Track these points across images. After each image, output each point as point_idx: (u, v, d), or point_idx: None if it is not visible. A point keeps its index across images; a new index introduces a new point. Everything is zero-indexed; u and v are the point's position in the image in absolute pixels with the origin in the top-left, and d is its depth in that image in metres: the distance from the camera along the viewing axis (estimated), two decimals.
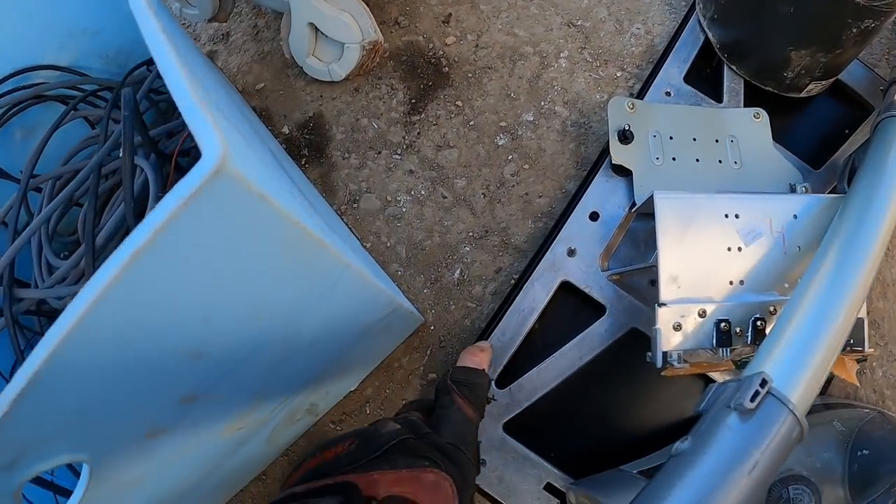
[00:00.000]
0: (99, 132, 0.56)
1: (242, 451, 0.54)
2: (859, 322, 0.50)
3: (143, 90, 0.56)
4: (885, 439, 0.52)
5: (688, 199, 0.51)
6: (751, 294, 0.50)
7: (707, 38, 0.69)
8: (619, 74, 0.71)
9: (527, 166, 0.68)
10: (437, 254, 0.66)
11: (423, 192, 0.68)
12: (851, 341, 0.49)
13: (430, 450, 0.37)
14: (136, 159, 0.48)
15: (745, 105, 0.67)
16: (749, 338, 0.48)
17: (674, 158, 0.61)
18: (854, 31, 0.60)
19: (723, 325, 0.48)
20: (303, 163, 0.71)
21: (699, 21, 0.70)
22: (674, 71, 0.68)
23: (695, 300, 0.48)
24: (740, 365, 0.49)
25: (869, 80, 0.71)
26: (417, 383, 0.64)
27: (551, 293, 0.59)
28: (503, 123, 0.70)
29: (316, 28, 0.68)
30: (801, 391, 0.37)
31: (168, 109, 0.62)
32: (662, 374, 0.47)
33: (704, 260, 0.50)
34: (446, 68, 0.72)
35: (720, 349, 0.48)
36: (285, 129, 0.73)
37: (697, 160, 0.61)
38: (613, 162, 0.60)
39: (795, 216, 0.53)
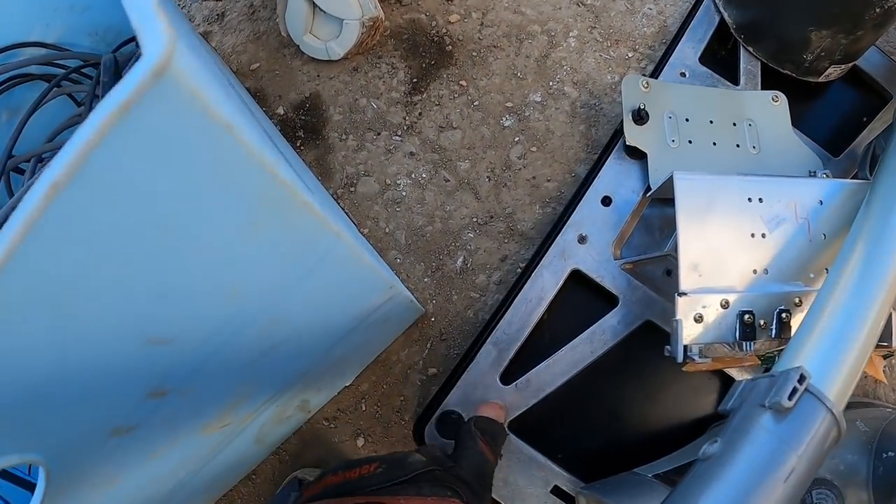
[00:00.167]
0: (83, 110, 0.52)
1: (229, 449, 0.51)
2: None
3: (129, 60, 0.53)
4: None
5: (710, 181, 0.47)
6: (775, 284, 0.47)
7: (722, 19, 0.66)
8: (630, 55, 0.68)
9: (534, 149, 0.65)
10: (438, 241, 0.63)
11: (424, 176, 0.65)
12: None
13: (455, 481, 0.38)
14: None
15: (762, 88, 0.64)
16: (774, 331, 0.45)
17: (690, 141, 0.58)
18: (877, 10, 0.57)
19: (746, 316, 0.44)
20: (298, 145, 0.68)
21: (714, 0, 0.67)
22: (689, 51, 0.64)
23: (717, 290, 0.45)
24: (764, 359, 0.46)
25: (886, 67, 0.69)
26: (416, 379, 0.60)
27: (560, 283, 0.56)
28: (509, 104, 0.66)
29: (314, 4, 0.64)
30: (838, 388, 0.34)
31: None
32: (683, 369, 0.44)
33: (727, 246, 0.47)
34: (450, 47, 0.69)
35: (744, 343, 0.44)
36: (280, 110, 0.70)
37: (714, 144, 0.58)
38: (627, 143, 0.57)
39: (821, 202, 0.50)
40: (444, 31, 0.69)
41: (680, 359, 0.43)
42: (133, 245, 0.19)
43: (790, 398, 0.32)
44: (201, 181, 0.18)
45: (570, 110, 0.65)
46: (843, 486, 0.48)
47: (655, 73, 0.64)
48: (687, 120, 0.58)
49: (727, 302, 0.45)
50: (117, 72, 0.45)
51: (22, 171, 0.54)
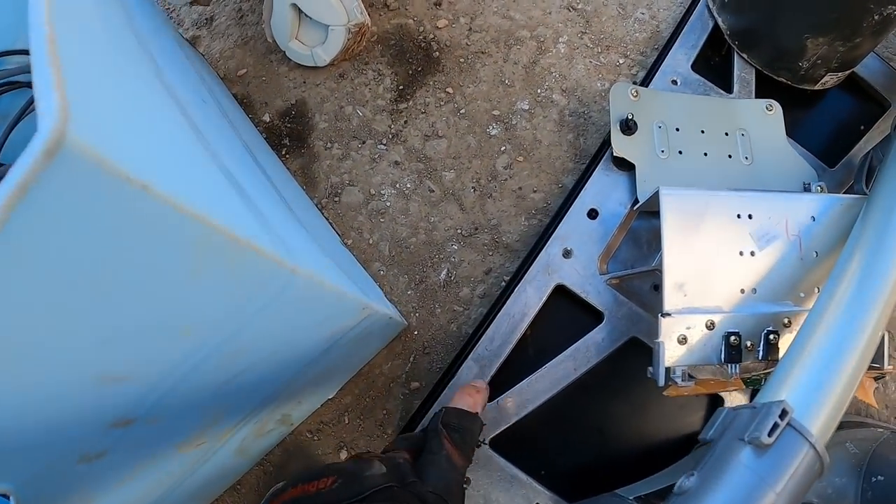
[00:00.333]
0: None
1: (210, 464, 0.50)
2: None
3: None
4: None
5: (697, 197, 0.46)
6: (763, 304, 0.45)
7: (716, 24, 0.65)
8: (621, 61, 0.66)
9: (521, 158, 0.63)
10: (422, 252, 0.62)
11: (408, 186, 0.63)
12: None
13: (413, 500, 0.36)
14: None
15: (756, 96, 0.62)
16: (761, 353, 0.44)
17: (680, 152, 0.56)
18: (875, 17, 0.56)
19: (732, 338, 0.43)
20: (283, 153, 0.67)
21: (708, 6, 0.65)
22: (681, 58, 0.63)
23: (702, 310, 0.44)
24: (749, 382, 0.45)
25: (885, 73, 0.67)
26: (399, 392, 0.59)
27: (545, 298, 0.55)
28: (496, 112, 0.65)
29: (299, 10, 0.63)
30: (822, 422, 0.32)
31: None
32: (664, 393, 0.43)
33: (714, 265, 0.45)
34: (437, 53, 0.67)
35: (728, 365, 0.43)
36: (266, 117, 0.69)
37: (705, 154, 0.57)
38: (615, 154, 0.55)
39: (813, 218, 0.48)
40: (432, 36, 0.68)
41: (661, 382, 0.42)
42: (63, 299, 0.18)
43: (770, 434, 0.30)
44: (123, 240, 0.17)
45: (559, 119, 0.64)
46: None
47: (646, 81, 0.62)
48: (677, 130, 0.57)
49: (713, 323, 0.44)
50: None
51: None
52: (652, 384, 0.44)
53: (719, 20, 0.64)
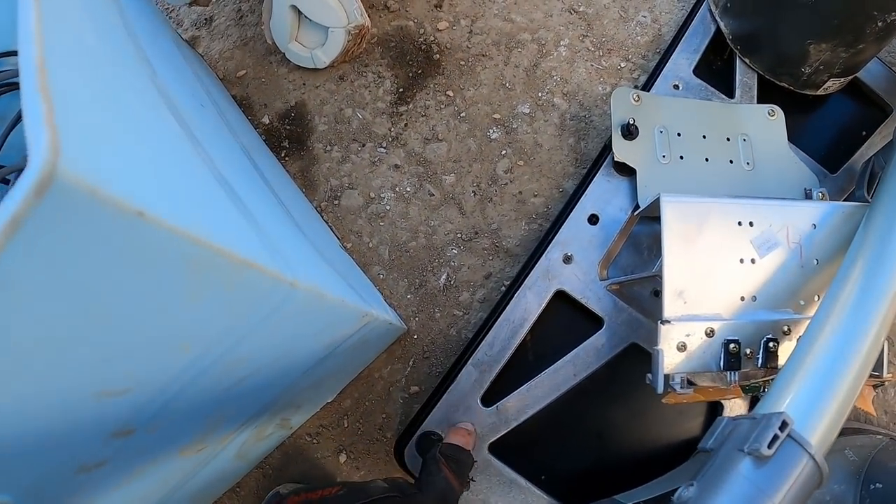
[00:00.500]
0: None
1: (209, 468, 0.50)
2: None
3: None
4: None
5: (698, 204, 0.46)
6: (763, 311, 0.45)
7: (718, 29, 0.64)
8: (623, 65, 0.66)
9: (521, 163, 0.63)
10: (422, 256, 0.61)
11: (408, 189, 0.63)
12: None
13: None
14: None
15: (758, 101, 0.62)
16: (760, 360, 0.44)
17: (681, 157, 0.56)
18: (879, 24, 0.56)
19: (732, 345, 0.43)
20: (283, 156, 0.66)
21: (710, 10, 0.65)
22: (683, 62, 0.63)
23: (702, 317, 0.44)
24: (748, 390, 0.45)
25: (888, 79, 0.67)
26: (399, 396, 0.59)
27: (545, 303, 0.54)
28: (497, 115, 0.65)
29: (299, 11, 0.63)
30: (822, 433, 0.32)
31: None
32: (663, 400, 0.43)
33: (714, 272, 0.45)
34: (437, 55, 0.67)
35: (728, 372, 0.43)
36: (266, 120, 0.68)
37: (707, 159, 0.57)
38: (616, 159, 0.55)
39: (814, 226, 0.48)
40: (432, 38, 0.67)
41: (660, 390, 0.42)
42: (61, 323, 0.18)
43: (770, 446, 0.30)
44: (120, 266, 0.17)
45: (560, 123, 0.64)
46: None
47: (648, 85, 0.62)
48: (679, 135, 0.57)
49: (712, 330, 0.44)
50: None
51: (7, 182, 0.53)
52: (651, 390, 0.44)
53: (721, 24, 0.64)
